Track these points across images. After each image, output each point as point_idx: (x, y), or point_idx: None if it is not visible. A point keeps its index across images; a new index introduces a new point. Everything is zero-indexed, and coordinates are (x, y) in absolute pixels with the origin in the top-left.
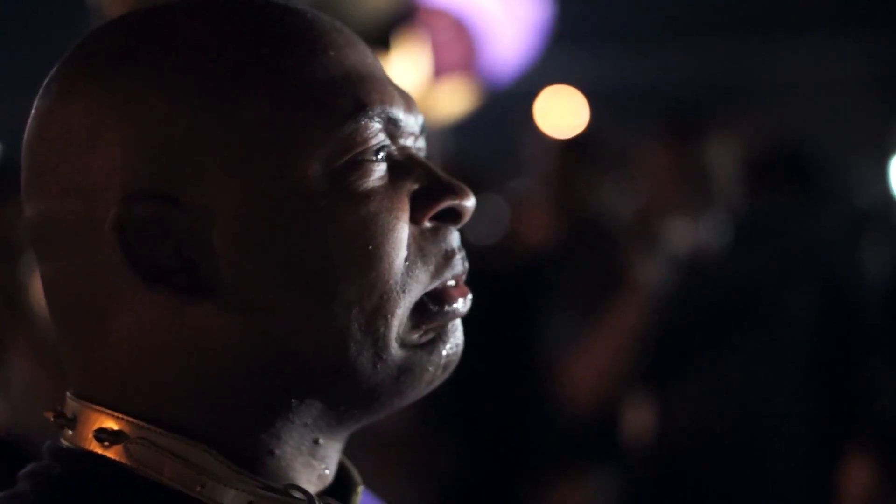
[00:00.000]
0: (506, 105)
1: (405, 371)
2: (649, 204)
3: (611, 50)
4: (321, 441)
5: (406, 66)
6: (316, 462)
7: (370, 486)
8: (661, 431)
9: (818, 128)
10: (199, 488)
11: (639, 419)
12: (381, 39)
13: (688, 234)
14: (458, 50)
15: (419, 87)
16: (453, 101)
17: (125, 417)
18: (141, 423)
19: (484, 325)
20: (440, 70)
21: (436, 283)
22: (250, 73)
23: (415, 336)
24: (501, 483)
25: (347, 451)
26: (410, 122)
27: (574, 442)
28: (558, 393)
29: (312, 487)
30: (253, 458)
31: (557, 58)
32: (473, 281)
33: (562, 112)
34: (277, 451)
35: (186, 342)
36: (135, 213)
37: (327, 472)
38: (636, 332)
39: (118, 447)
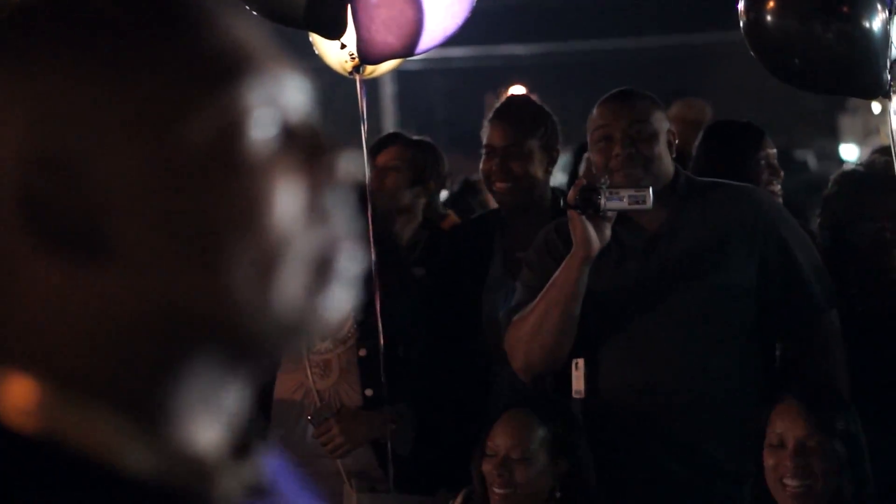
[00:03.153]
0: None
1: (294, 326)
2: (594, 170)
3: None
4: (222, 395)
5: (341, 45)
6: (219, 417)
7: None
8: (598, 393)
9: (770, 95)
10: (105, 453)
11: (576, 381)
12: (329, 24)
13: (630, 199)
14: (396, 30)
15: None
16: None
17: (34, 378)
18: (47, 387)
19: (432, 297)
20: (378, 49)
21: (324, 242)
22: (140, 45)
23: (303, 293)
24: (455, 456)
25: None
26: (295, 90)
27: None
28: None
29: (215, 443)
30: (158, 415)
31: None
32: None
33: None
34: (180, 408)
35: (89, 305)
36: (34, 182)
37: (230, 426)
38: (572, 296)
39: (28, 409)
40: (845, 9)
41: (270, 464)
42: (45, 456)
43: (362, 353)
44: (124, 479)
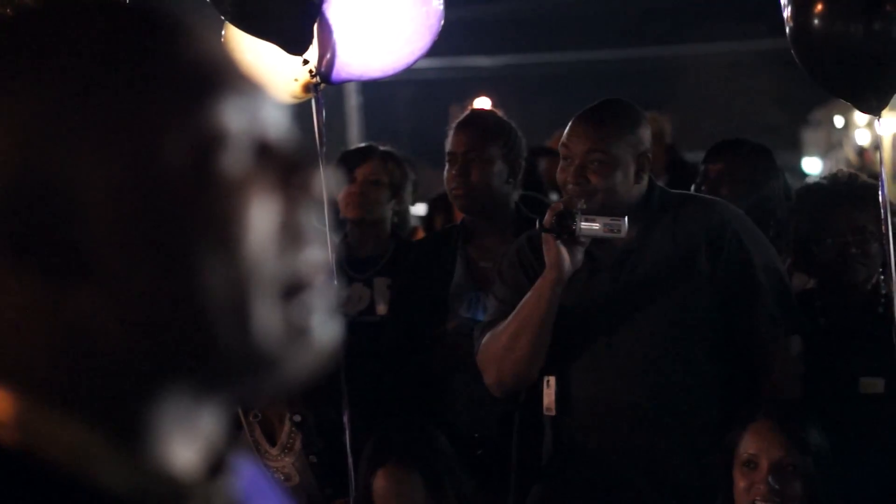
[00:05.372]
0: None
1: (270, 353)
2: (565, 189)
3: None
4: (199, 415)
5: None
6: (195, 436)
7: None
8: (568, 410)
9: (733, 109)
10: (83, 469)
11: (547, 398)
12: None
13: (605, 227)
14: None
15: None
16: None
17: (12, 392)
18: (25, 401)
19: (406, 313)
20: (343, 69)
21: (297, 266)
22: (117, 64)
23: (282, 321)
24: None
25: None
26: (271, 106)
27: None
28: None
29: (190, 463)
30: (134, 433)
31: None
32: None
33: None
34: (156, 427)
35: (63, 324)
36: (10, 200)
37: (208, 445)
38: (544, 316)
39: (5, 422)
40: (888, 7)
41: (245, 480)
42: (21, 469)
43: (312, 459)
44: (100, 496)
